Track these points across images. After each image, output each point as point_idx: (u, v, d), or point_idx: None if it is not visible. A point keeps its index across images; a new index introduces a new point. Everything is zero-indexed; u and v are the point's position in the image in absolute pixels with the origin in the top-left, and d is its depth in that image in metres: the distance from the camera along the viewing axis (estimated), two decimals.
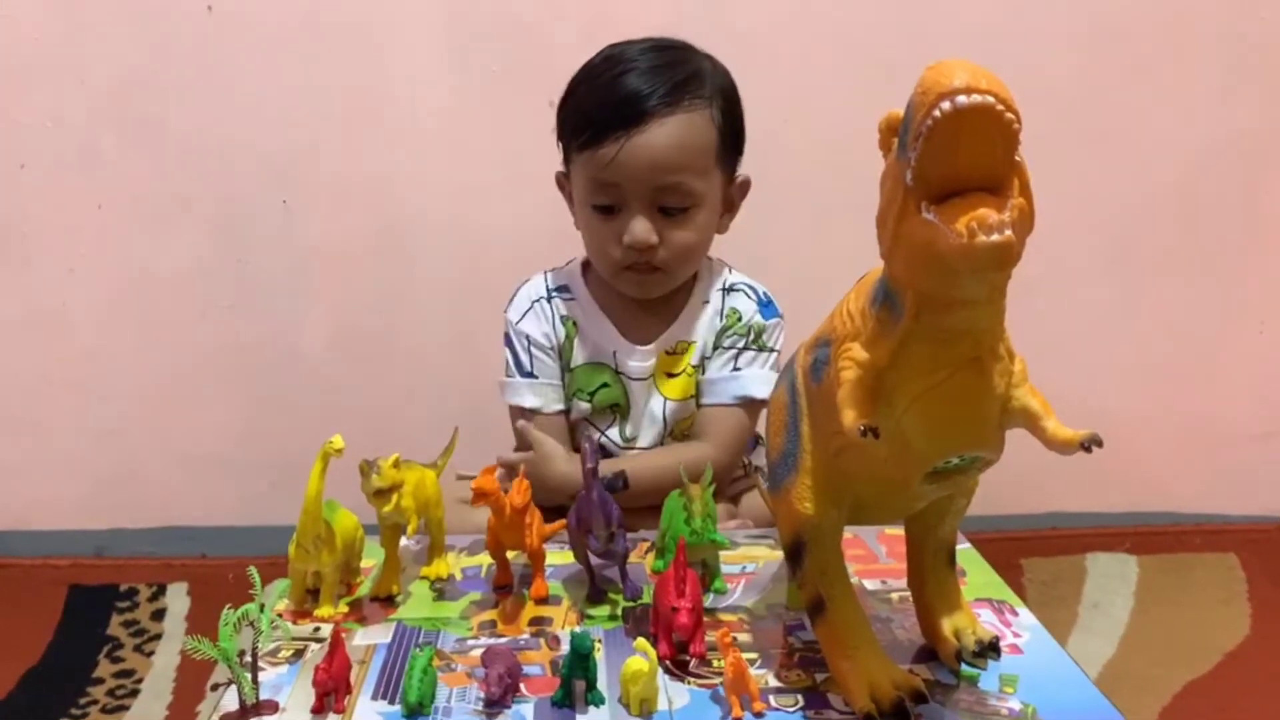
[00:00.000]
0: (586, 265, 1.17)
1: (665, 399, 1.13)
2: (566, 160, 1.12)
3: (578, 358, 1.14)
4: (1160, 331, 1.64)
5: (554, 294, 1.16)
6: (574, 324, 1.14)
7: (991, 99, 0.50)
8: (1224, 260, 1.61)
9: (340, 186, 1.54)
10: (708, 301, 1.15)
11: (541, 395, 1.14)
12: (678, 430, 1.14)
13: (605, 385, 1.13)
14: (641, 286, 1.10)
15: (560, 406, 1.15)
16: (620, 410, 1.14)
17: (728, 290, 1.15)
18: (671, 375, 1.13)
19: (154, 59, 1.49)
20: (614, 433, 1.14)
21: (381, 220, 1.55)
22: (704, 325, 1.14)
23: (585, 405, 1.13)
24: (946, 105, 0.50)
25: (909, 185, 0.54)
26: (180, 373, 1.60)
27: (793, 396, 0.71)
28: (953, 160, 0.52)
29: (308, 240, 1.55)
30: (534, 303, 1.15)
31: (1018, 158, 0.53)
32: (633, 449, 1.14)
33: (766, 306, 1.15)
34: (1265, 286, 1.62)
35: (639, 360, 1.13)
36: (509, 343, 1.16)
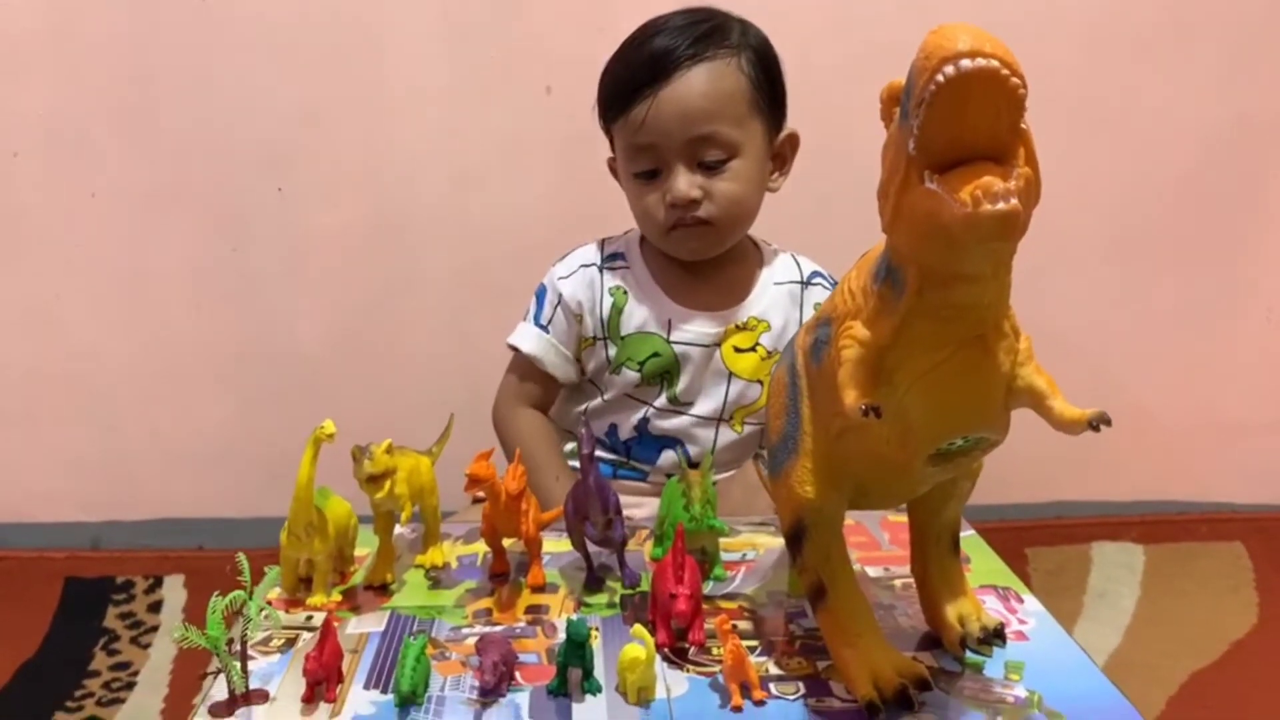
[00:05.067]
0: (643, 239, 1.15)
1: (731, 373, 1.11)
2: (611, 141, 1.11)
3: (627, 326, 1.11)
4: (1167, 319, 1.62)
5: (605, 263, 1.14)
6: (624, 293, 1.12)
7: (996, 63, 0.48)
8: (1231, 247, 1.60)
9: (336, 175, 1.53)
10: (780, 284, 1.13)
11: (543, 349, 1.12)
12: (739, 415, 1.11)
13: (655, 354, 1.10)
14: (693, 245, 1.07)
15: (556, 374, 1.13)
16: (670, 378, 1.11)
17: (806, 284, 1.14)
18: (740, 350, 1.11)
19: (148, 47, 1.48)
20: (661, 399, 1.11)
21: (377, 209, 1.54)
22: (780, 308, 1.12)
23: (634, 374, 1.10)
24: (950, 70, 0.48)
25: (911, 154, 0.52)
26: (176, 364, 1.59)
27: (793, 378, 0.69)
28: (956, 127, 0.50)
29: (303, 229, 1.54)
30: (582, 267, 1.13)
31: (1023, 125, 0.52)
32: (685, 413, 1.11)
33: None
34: (1273, 273, 1.61)
35: (700, 326, 1.10)
36: (539, 293, 1.15)
